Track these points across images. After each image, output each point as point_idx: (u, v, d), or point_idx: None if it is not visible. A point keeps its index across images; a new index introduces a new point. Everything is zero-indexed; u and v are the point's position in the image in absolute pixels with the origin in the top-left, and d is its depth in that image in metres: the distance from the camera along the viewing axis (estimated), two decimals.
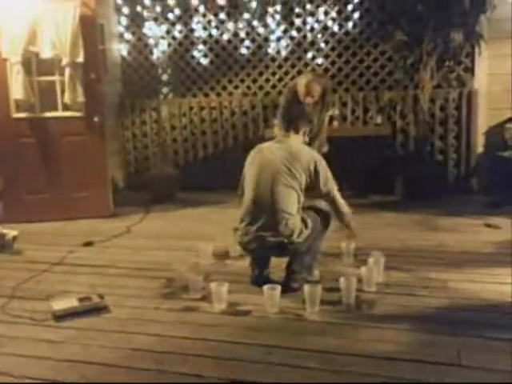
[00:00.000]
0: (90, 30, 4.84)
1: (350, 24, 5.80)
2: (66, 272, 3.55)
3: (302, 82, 4.26)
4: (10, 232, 4.08)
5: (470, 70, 5.60)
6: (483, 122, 5.56)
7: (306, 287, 2.75)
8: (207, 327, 2.64)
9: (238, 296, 2.97)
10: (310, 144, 3.64)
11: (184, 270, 3.33)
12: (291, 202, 3.02)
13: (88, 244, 4.14)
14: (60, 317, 2.76)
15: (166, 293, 3.12)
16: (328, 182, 3.12)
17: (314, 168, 3.07)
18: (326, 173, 3.12)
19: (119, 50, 6.45)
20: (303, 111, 3.72)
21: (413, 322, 2.60)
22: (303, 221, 3.04)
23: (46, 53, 4.73)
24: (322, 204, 3.22)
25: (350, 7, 5.77)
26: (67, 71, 4.77)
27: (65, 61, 4.74)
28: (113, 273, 3.50)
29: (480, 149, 5.60)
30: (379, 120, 5.72)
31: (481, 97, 5.55)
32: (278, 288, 2.78)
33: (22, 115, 4.92)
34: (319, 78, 4.53)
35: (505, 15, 5.15)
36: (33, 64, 4.88)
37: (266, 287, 2.79)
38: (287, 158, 3.05)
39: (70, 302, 2.86)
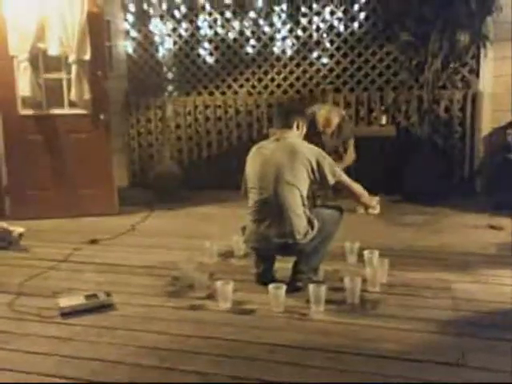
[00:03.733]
0: (96, 27, 4.86)
1: (356, 24, 5.81)
2: (72, 269, 3.57)
3: (321, 114, 4.53)
4: (17, 229, 4.10)
5: (475, 72, 5.61)
6: (487, 123, 5.57)
7: (311, 287, 2.77)
8: (212, 325, 2.66)
9: (243, 295, 2.99)
10: None
11: (189, 268, 3.35)
12: (296, 202, 3.02)
13: (93, 242, 4.17)
14: (67, 314, 2.79)
15: (171, 291, 3.14)
16: (335, 172, 3.11)
17: (316, 163, 3.05)
18: (329, 164, 3.10)
19: (125, 47, 6.47)
20: (295, 107, 3.82)
21: (417, 323, 2.62)
22: (310, 222, 3.04)
23: (54, 50, 4.74)
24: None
25: (356, 7, 5.78)
26: (74, 68, 4.78)
27: (72, 58, 4.76)
28: (118, 271, 3.53)
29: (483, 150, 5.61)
30: (384, 120, 5.73)
31: (485, 98, 5.56)
32: (283, 287, 2.80)
33: (29, 112, 4.94)
34: (336, 108, 4.91)
35: (510, 17, 5.15)
36: (40, 61, 4.90)
37: (271, 286, 2.81)
38: (287, 157, 3.04)
39: (77, 299, 2.88)
